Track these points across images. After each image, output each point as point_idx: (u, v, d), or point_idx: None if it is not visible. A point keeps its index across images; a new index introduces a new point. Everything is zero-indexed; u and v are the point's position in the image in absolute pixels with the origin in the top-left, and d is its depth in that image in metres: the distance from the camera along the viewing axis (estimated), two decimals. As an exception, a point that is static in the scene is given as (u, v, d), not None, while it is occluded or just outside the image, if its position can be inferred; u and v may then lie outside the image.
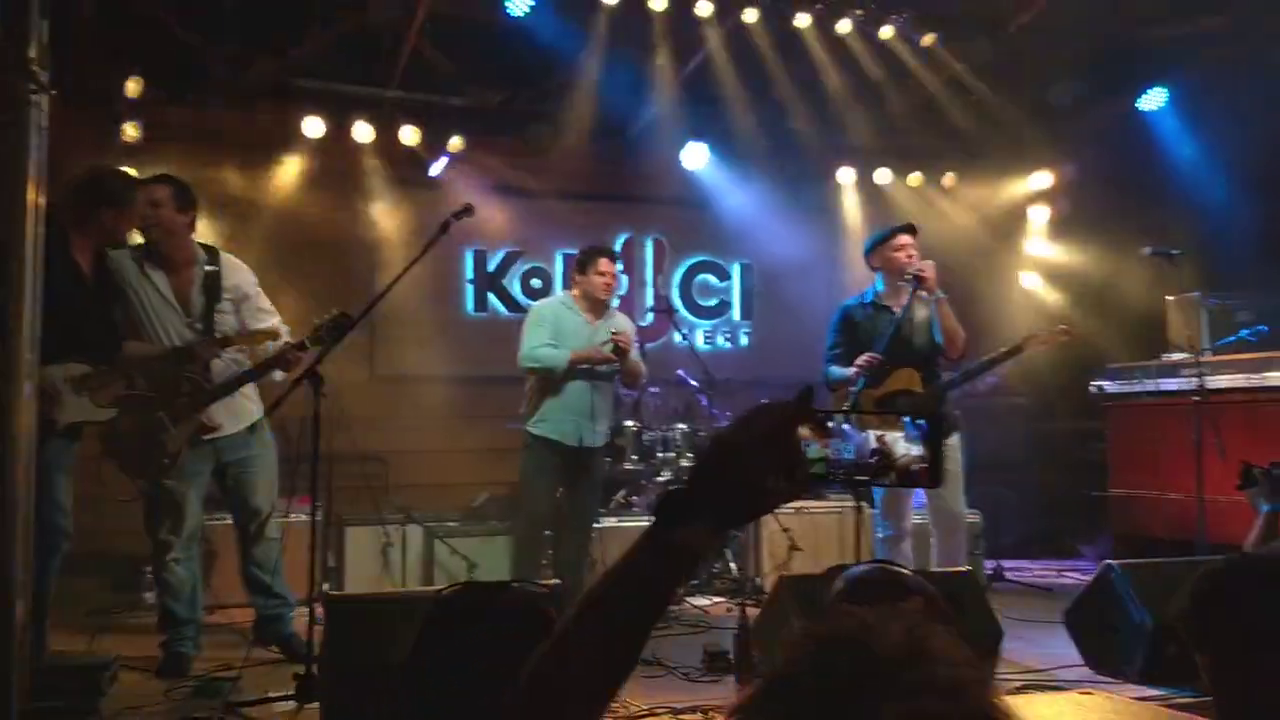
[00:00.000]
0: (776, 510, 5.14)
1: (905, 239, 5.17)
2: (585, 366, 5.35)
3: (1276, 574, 1.80)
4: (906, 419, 1.18)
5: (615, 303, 5.88)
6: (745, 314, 8.70)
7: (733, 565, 6.59)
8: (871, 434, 1.18)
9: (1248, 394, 5.63)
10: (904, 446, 1.17)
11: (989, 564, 6.56)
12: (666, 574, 1.06)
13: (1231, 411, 5.50)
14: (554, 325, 5.40)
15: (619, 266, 5.62)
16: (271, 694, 3.98)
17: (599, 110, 7.41)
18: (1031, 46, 7.10)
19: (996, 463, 5.12)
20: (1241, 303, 6.59)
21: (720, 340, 8.62)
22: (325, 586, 5.55)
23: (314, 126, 7.09)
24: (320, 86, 7.12)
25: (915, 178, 8.53)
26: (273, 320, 4.65)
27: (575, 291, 5.56)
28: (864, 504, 6.35)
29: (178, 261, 4.55)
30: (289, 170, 7.23)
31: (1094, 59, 7.47)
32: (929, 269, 5.01)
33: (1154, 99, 7.70)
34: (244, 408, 4.65)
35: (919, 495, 5.27)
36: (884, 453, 1.18)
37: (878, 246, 5.25)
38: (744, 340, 8.68)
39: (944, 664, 0.81)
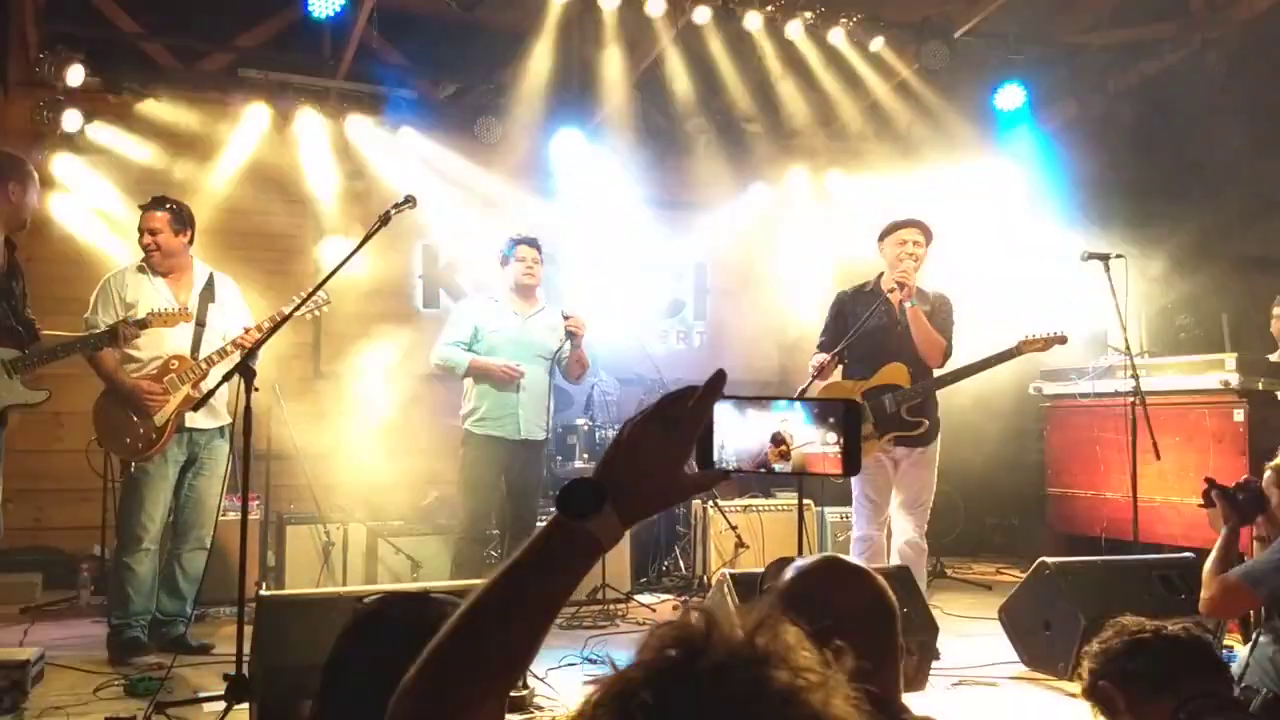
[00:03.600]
0: (716, 505, 5.10)
1: (908, 234, 5.06)
2: (522, 350, 5.34)
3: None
4: (814, 406, 1.17)
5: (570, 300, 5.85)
6: (698, 313, 8.71)
7: (680, 562, 6.60)
8: (780, 423, 1.16)
9: (1183, 396, 5.72)
10: (813, 435, 1.16)
11: (929, 560, 6.61)
12: (571, 565, 1.03)
13: (1167, 413, 5.59)
14: (475, 322, 5.39)
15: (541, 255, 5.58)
16: (201, 694, 3.91)
17: (552, 105, 7.39)
18: (977, 52, 7.18)
19: (941, 460, 5.13)
20: (1180, 306, 6.71)
21: (674, 339, 8.62)
22: (263, 585, 5.48)
23: (259, 116, 7.00)
24: (266, 76, 7.02)
25: (866, 179, 8.57)
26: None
27: (508, 284, 5.52)
28: (810, 501, 6.39)
29: (177, 273, 4.91)
30: (233, 160, 7.12)
31: (1039, 63, 7.58)
32: (909, 276, 4.97)
33: (1093, 106, 7.82)
34: (219, 409, 4.87)
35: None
36: (784, 440, 1.17)
37: (884, 238, 5.15)
38: (697, 340, 8.69)
39: (783, 668, 0.80)
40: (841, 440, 1.15)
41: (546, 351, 5.45)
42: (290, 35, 6.77)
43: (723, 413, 1.15)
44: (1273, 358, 5.93)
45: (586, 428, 6.66)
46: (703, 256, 8.62)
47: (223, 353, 4.75)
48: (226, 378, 3.98)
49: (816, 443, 1.15)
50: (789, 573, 1.68)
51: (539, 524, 5.37)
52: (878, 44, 7.00)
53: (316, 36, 6.72)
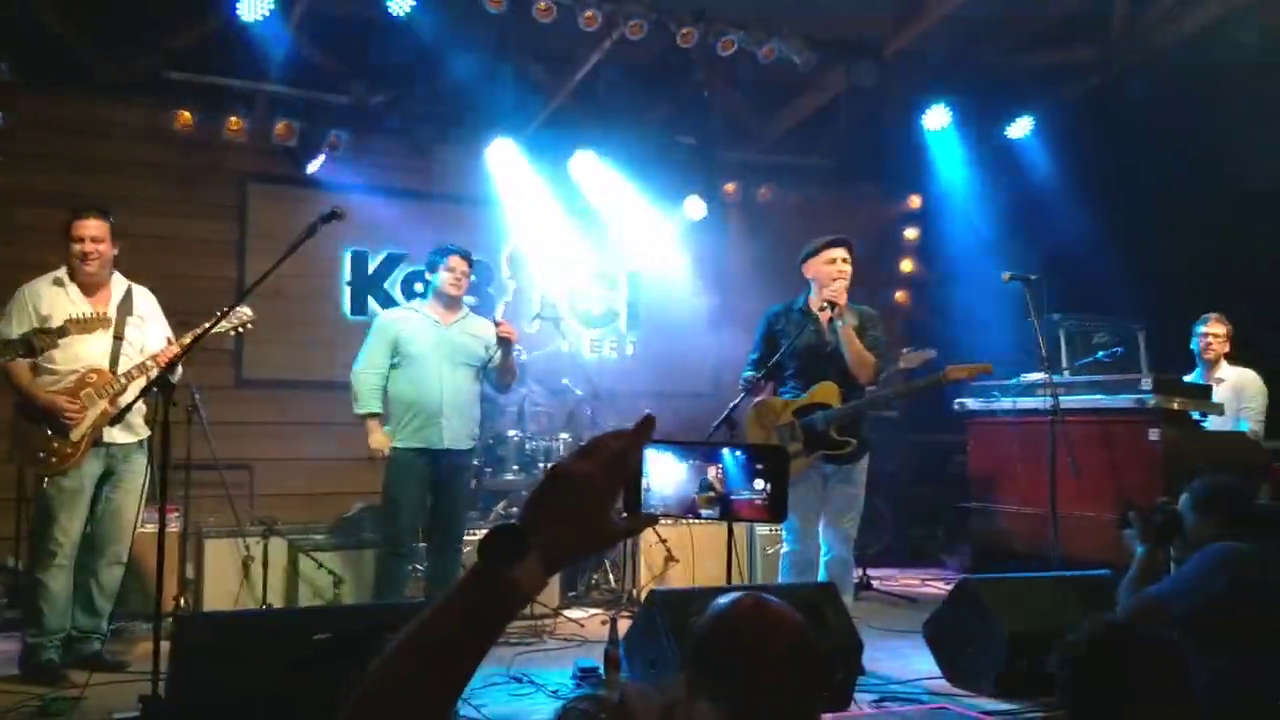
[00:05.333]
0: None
1: (836, 253, 5.08)
2: (444, 357, 5.30)
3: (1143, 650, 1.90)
4: (742, 453, 1.17)
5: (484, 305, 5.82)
6: (631, 324, 8.72)
7: (610, 576, 6.58)
8: (708, 469, 1.17)
9: (1100, 414, 5.88)
10: (741, 481, 1.16)
11: (855, 572, 6.69)
12: (494, 615, 1.01)
13: (1085, 430, 5.73)
14: (393, 337, 5.33)
15: (472, 267, 5.55)
16: (116, 715, 3.80)
17: (486, 115, 7.36)
18: (907, 71, 7.32)
19: (869, 473, 5.19)
20: (1099, 325, 6.89)
21: (606, 350, 8.62)
22: (182, 601, 5.34)
23: (186, 120, 6.85)
24: (194, 79, 6.87)
25: (795, 195, 8.67)
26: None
27: (434, 291, 5.48)
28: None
29: (98, 285, 4.78)
30: (159, 164, 6.95)
31: (967, 85, 7.75)
32: (840, 295, 5.00)
33: (1021, 127, 8.02)
34: (137, 423, 4.76)
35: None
36: (715, 487, 1.16)
37: (810, 258, 5.15)
38: (630, 350, 8.70)
39: None
40: (768, 487, 1.16)
41: (472, 359, 5.40)
42: (219, 39, 6.63)
43: (652, 457, 1.14)
44: (1188, 378, 6.14)
45: (517, 439, 6.61)
46: (636, 267, 8.63)
47: (142, 367, 4.62)
48: (144, 392, 3.88)
49: (744, 489, 1.16)
50: (708, 616, 1.68)
51: (466, 538, 5.38)
52: (809, 61, 7.09)
53: (246, 41, 6.58)
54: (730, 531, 4.87)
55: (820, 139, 8.35)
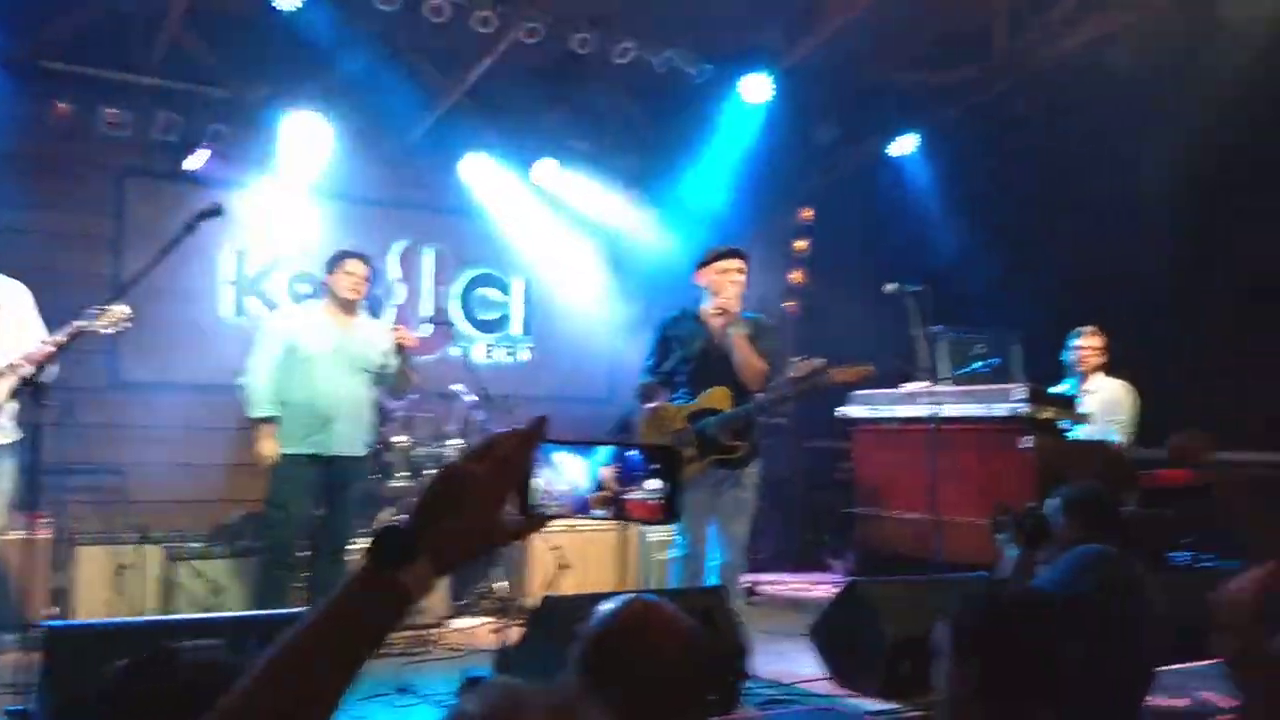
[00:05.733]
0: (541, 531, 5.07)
1: (731, 263, 5.13)
2: (340, 362, 5.18)
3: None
4: (636, 453, 1.18)
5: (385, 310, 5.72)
6: (525, 329, 8.67)
7: (500, 584, 6.51)
8: (603, 469, 1.17)
9: (978, 423, 6.09)
10: (635, 481, 1.16)
11: (744, 577, 6.78)
12: (380, 620, 0.99)
13: (963, 438, 5.93)
14: (288, 338, 5.22)
15: (372, 271, 5.49)
16: (-25, 733, 3.60)
17: (376, 114, 7.23)
18: (799, 86, 7.47)
19: (760, 478, 5.26)
20: (978, 337, 7.14)
21: (499, 355, 8.55)
22: (52, 611, 5.10)
23: (63, 111, 6.55)
24: (72, 69, 6.58)
25: (684, 205, 8.74)
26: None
27: (330, 294, 5.37)
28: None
29: None
30: (34, 156, 6.63)
31: (856, 101, 7.96)
32: (732, 304, 5.05)
33: (905, 144, 8.27)
34: (6, 425, 4.47)
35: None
36: (606, 486, 1.17)
37: (705, 266, 5.20)
38: (523, 355, 8.64)
39: None
40: (663, 486, 1.16)
41: (368, 364, 5.31)
42: (99, 29, 6.37)
43: (545, 456, 1.14)
44: (1059, 389, 6.41)
45: (405, 445, 6.50)
46: (529, 271, 8.59)
47: (12, 367, 4.38)
48: (14, 393, 3.70)
49: (639, 489, 1.16)
50: (597, 620, 1.68)
51: (353, 546, 5.27)
52: (704, 73, 7.18)
53: (126, 31, 6.35)
54: (623, 539, 4.89)
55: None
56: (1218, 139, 6.15)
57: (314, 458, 5.09)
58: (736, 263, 5.16)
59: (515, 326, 8.64)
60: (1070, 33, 7.10)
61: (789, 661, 5.02)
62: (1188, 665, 4.67)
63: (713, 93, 7.46)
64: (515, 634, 4.38)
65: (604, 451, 1.17)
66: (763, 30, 7.23)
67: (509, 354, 8.59)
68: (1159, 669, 3.67)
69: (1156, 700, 3.70)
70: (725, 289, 5.09)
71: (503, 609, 6.28)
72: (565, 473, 1.16)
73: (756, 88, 7.34)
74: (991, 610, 2.00)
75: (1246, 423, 5.96)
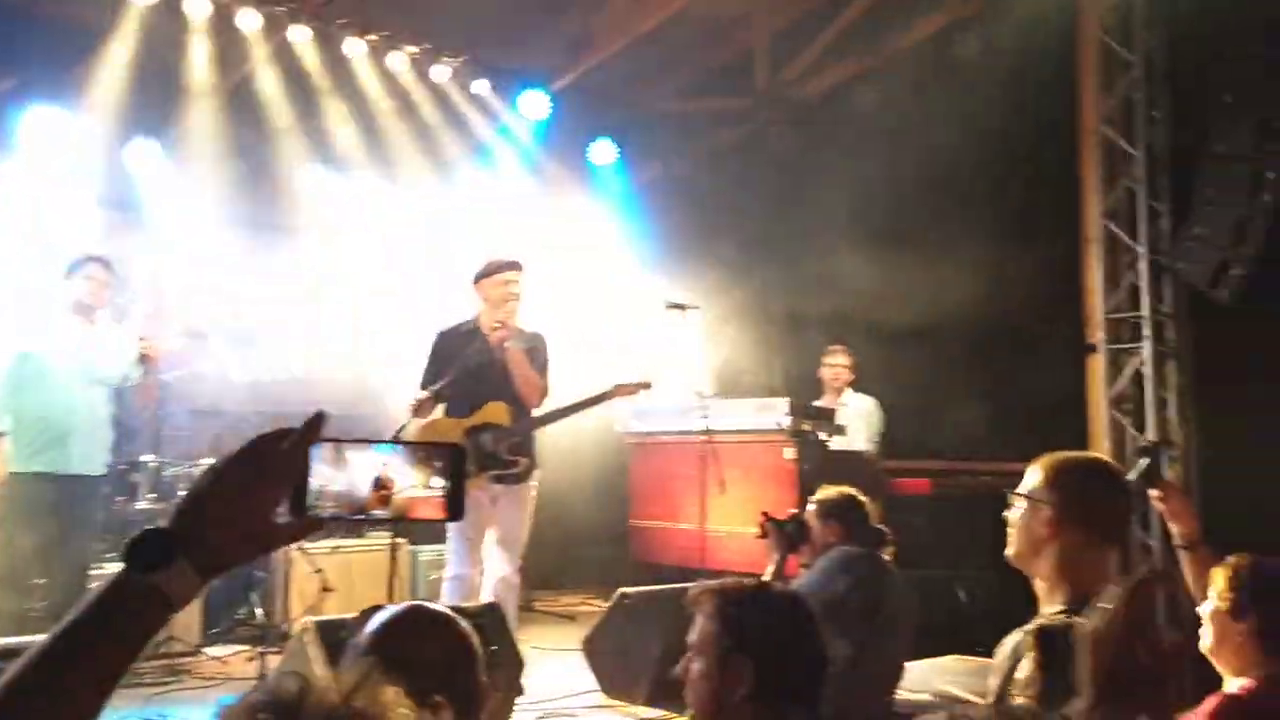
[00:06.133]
0: (300, 547, 4.85)
1: (509, 275, 5.08)
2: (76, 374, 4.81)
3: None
4: (418, 450, 1.15)
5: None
6: (293, 341, 8.25)
7: (258, 610, 6.17)
8: (382, 466, 1.13)
9: (744, 435, 6.34)
10: (416, 478, 1.13)
11: (519, 593, 6.73)
12: (136, 626, 0.92)
13: (732, 450, 6.16)
14: (21, 347, 4.83)
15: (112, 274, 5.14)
16: None
17: (128, 112, 6.75)
18: (574, 106, 7.57)
19: (540, 495, 5.24)
20: (742, 355, 7.46)
21: (261, 370, 8.09)
22: None
23: None
24: None
25: (468, 216, 8.65)
26: None
27: (69, 300, 4.99)
28: (402, 540, 6.26)
29: None
30: None
31: (631, 124, 8.16)
32: (511, 317, 5.00)
33: (675, 167, 8.55)
34: None
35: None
36: (385, 484, 1.13)
37: (483, 279, 5.12)
38: (290, 370, 8.22)
39: None
40: (445, 484, 1.14)
41: (107, 377, 4.93)
42: None
43: (321, 455, 1.09)
44: (818, 403, 6.79)
45: (154, 464, 6.06)
46: (302, 282, 8.21)
47: None
48: None
49: (419, 486, 1.13)
50: (373, 624, 1.66)
51: (93, 571, 4.85)
52: (481, 87, 7.15)
53: None
54: (393, 558, 4.75)
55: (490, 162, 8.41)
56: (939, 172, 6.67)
57: (48, 476, 4.67)
58: (516, 275, 5.14)
59: (281, 339, 8.21)
60: (823, 73, 7.58)
61: (563, 677, 5.01)
62: (932, 660, 5.05)
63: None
64: (273, 662, 4.16)
65: (383, 450, 1.14)
66: (541, 49, 7.29)
67: (271, 369, 8.16)
68: (906, 664, 3.95)
69: (903, 694, 3.96)
70: (504, 302, 5.07)
71: (261, 636, 5.96)
72: (343, 473, 1.11)
73: (534, 104, 7.39)
74: (760, 608, 2.08)
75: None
